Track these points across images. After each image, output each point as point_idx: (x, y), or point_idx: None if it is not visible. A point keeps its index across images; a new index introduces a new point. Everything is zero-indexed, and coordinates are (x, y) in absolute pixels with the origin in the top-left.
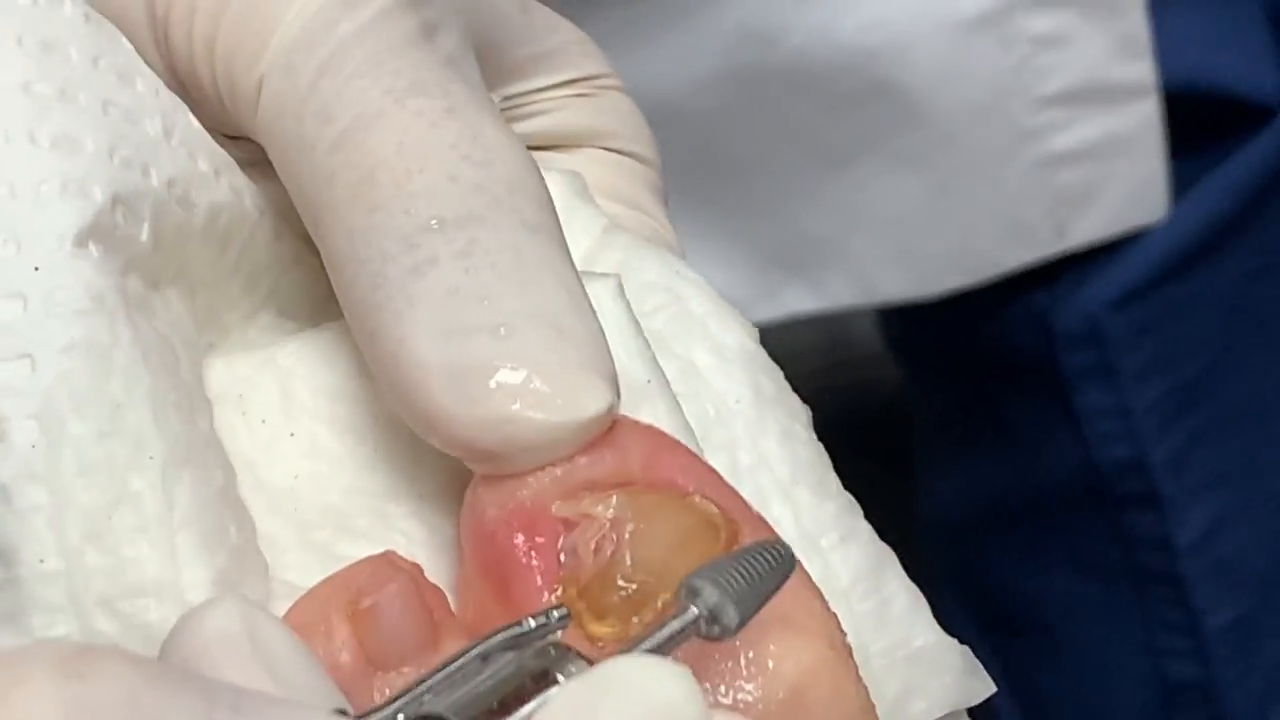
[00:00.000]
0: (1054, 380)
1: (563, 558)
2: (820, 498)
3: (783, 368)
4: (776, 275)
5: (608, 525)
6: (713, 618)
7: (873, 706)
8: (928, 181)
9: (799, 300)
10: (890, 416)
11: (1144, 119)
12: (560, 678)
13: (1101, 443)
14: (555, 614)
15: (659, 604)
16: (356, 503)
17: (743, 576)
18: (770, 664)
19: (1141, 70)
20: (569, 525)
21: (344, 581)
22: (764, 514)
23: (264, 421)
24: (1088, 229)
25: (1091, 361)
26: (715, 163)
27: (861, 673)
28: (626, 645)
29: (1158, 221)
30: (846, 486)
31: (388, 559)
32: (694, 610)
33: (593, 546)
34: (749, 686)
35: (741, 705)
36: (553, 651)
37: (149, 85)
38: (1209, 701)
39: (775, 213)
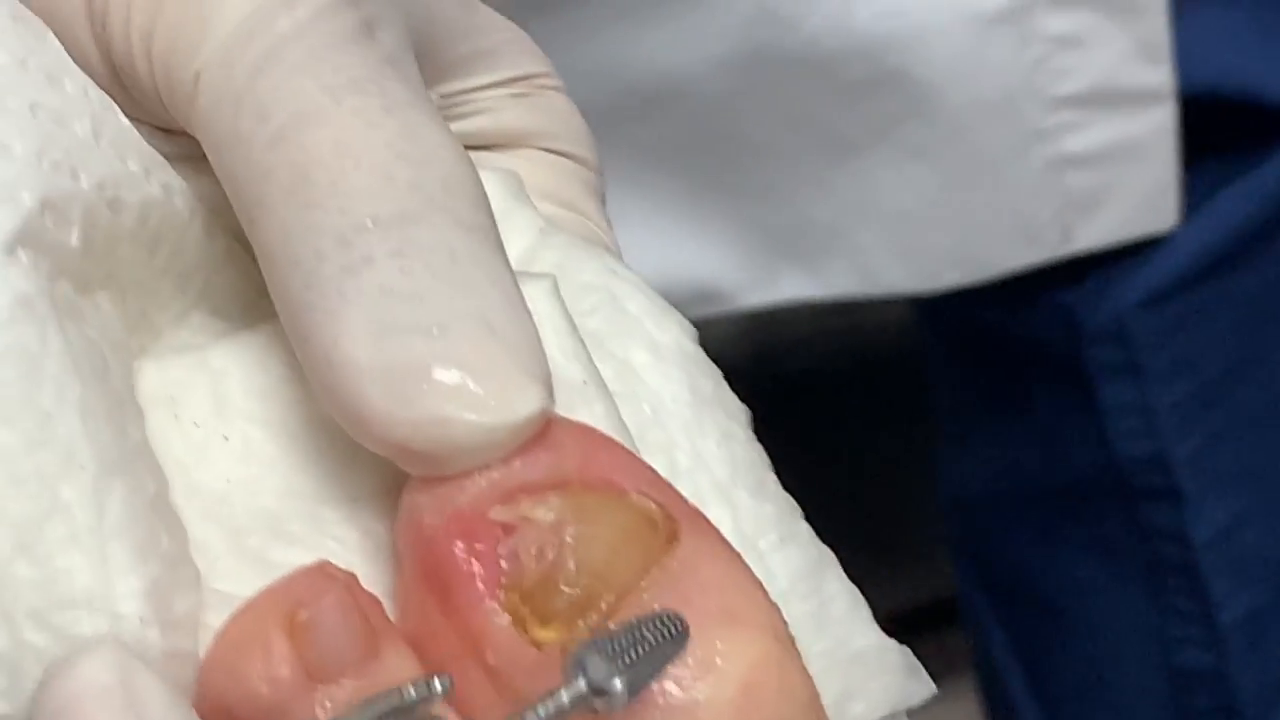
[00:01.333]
0: (1079, 374)
1: (504, 564)
2: (759, 499)
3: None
4: (776, 261)
5: (548, 528)
6: (598, 691)
7: (819, 697)
8: (935, 176)
9: (797, 287)
10: (894, 358)
11: (1159, 126)
12: None
13: (1124, 438)
14: (437, 683)
15: (603, 606)
16: (290, 506)
17: (633, 648)
18: (718, 661)
19: (1160, 76)
20: (508, 530)
21: (279, 594)
22: None
23: (197, 425)
24: (1095, 234)
25: (1117, 359)
26: (721, 144)
27: None
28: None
29: (1168, 229)
30: (850, 427)
31: (323, 569)
32: (581, 685)
33: (533, 551)
34: (699, 686)
35: (692, 706)
36: None
37: (77, 85)
38: (1221, 690)
39: (778, 198)
